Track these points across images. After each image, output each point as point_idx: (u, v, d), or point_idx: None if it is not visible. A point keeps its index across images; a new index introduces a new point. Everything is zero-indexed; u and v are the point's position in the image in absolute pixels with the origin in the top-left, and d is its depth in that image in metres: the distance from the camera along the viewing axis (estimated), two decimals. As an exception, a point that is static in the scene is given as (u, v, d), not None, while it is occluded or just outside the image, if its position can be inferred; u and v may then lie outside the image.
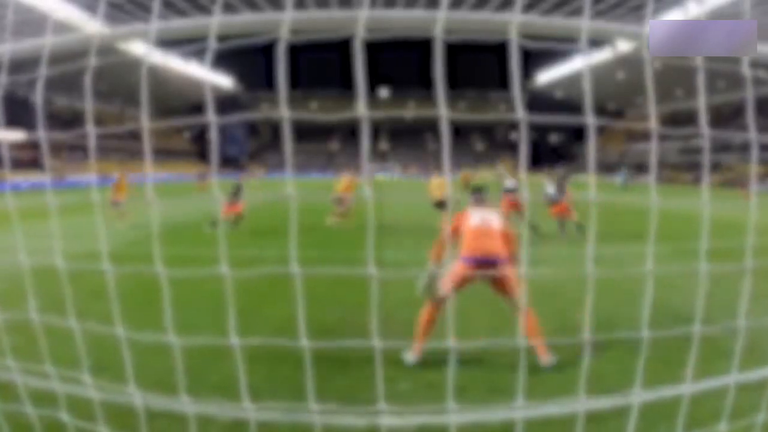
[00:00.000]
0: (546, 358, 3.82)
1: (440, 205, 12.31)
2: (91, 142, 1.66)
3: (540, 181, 13.01)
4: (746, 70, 1.63)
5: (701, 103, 1.62)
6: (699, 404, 1.94)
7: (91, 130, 1.63)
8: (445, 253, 4.24)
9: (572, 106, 55.30)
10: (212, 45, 1.43)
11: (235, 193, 11.65)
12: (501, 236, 4.15)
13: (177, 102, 55.50)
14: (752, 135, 1.71)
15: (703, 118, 1.63)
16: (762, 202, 5.15)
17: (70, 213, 10.99)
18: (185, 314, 4.67)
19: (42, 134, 1.81)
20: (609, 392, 1.77)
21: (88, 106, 1.65)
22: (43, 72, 1.63)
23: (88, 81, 1.63)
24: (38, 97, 1.75)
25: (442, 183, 12.52)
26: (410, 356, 3.89)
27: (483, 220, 4.24)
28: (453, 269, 4.06)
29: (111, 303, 1.65)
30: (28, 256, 1.84)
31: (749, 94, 1.77)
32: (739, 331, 1.73)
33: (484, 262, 4.01)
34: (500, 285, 4.02)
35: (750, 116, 1.75)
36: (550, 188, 10.95)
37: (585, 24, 1.42)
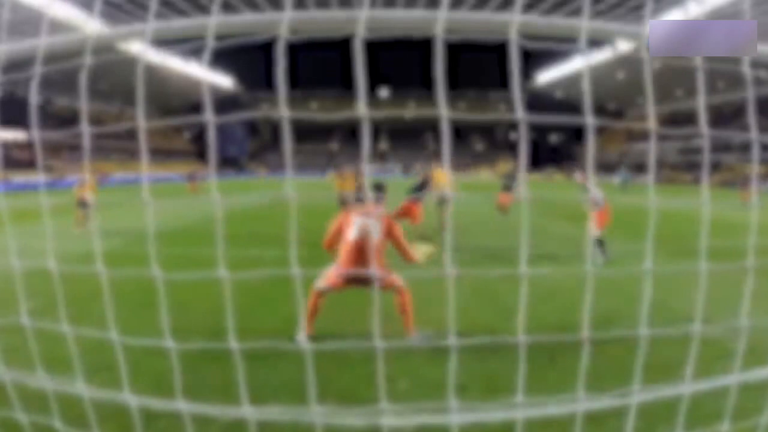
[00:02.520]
0: (413, 337, 4.15)
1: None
2: (85, 141, 1.65)
3: (565, 181, 11.98)
4: (747, 70, 1.62)
5: (701, 103, 1.62)
6: (701, 405, 1.94)
7: (85, 128, 1.63)
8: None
9: (572, 106, 55.39)
10: (210, 43, 1.43)
11: (422, 187, 10.44)
12: (382, 244, 4.19)
13: (177, 102, 55.53)
14: (753, 135, 1.71)
15: (703, 118, 1.63)
16: (762, 203, 5.16)
17: (66, 213, 11.00)
18: (186, 314, 4.67)
19: (36, 133, 1.80)
20: (609, 392, 1.77)
21: (84, 105, 1.65)
22: (37, 71, 1.63)
23: (83, 80, 1.63)
24: (32, 97, 1.74)
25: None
26: (302, 337, 4.08)
27: (361, 233, 4.13)
28: (331, 273, 4.19)
29: (109, 304, 1.65)
30: (27, 257, 1.84)
31: (750, 95, 1.77)
32: (739, 330, 1.73)
33: (356, 280, 4.16)
34: (381, 288, 4.16)
35: (751, 116, 1.75)
36: (597, 191, 7.83)
37: (585, 24, 1.42)
